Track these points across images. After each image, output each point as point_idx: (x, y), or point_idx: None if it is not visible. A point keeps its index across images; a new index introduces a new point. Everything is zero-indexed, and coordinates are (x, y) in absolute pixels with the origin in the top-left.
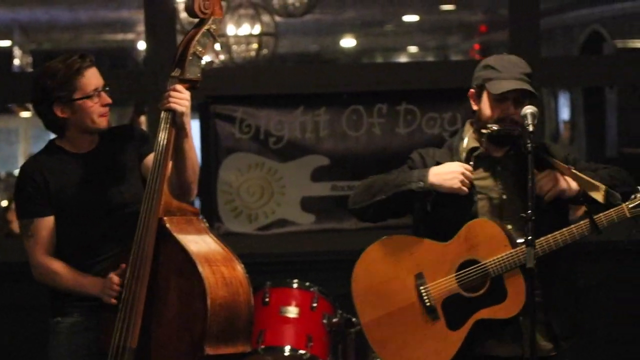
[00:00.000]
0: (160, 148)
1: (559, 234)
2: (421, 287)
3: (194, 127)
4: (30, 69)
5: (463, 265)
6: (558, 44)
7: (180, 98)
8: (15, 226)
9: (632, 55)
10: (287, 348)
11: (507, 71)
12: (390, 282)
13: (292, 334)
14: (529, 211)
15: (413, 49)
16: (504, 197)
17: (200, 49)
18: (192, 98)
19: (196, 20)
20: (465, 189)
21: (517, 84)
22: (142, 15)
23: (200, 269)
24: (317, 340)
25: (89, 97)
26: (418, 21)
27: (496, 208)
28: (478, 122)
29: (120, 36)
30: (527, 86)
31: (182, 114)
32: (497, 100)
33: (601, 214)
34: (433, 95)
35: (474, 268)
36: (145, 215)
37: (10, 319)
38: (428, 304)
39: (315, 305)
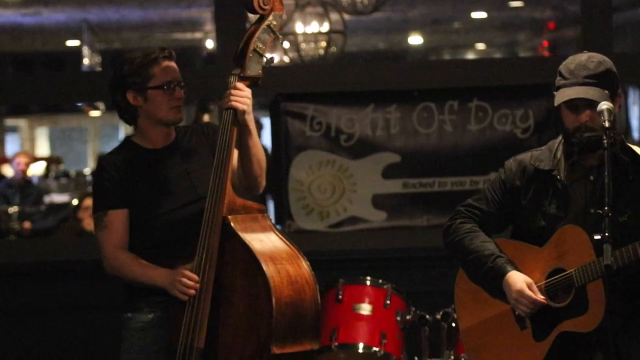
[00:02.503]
0: (222, 147)
1: (628, 248)
2: None
3: (266, 125)
4: (99, 69)
5: (552, 273)
6: (628, 40)
7: (242, 96)
8: (86, 224)
9: None
10: (361, 345)
11: (573, 76)
12: None
13: (366, 331)
14: (606, 207)
15: (481, 45)
16: (592, 210)
17: (261, 46)
18: (263, 96)
19: (256, 16)
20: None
21: (577, 91)
22: (210, 13)
23: (265, 267)
24: (391, 337)
25: (161, 87)
26: (486, 18)
27: (583, 221)
28: (564, 131)
29: (188, 35)
30: (584, 94)
31: (243, 111)
32: (569, 109)
33: None
34: (504, 92)
35: (560, 277)
36: (210, 215)
37: (84, 316)
38: (517, 312)
39: (388, 302)
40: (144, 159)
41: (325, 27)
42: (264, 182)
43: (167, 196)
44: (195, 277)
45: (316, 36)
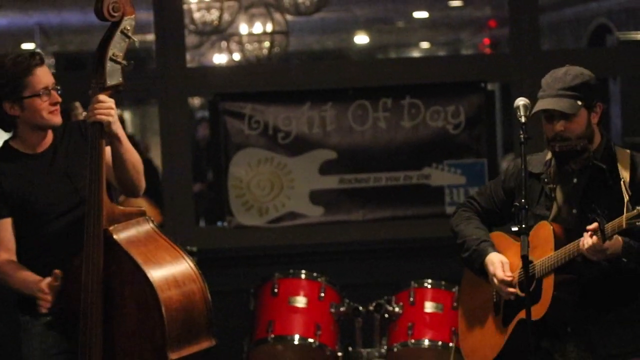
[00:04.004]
0: (93, 162)
1: (573, 244)
2: None
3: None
4: (53, 71)
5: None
6: (566, 37)
7: (105, 108)
8: None
9: (634, 47)
10: (297, 337)
11: (548, 88)
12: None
13: (301, 323)
14: (523, 200)
15: (425, 44)
16: (574, 211)
17: (118, 53)
18: (201, 96)
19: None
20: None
21: (548, 103)
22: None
23: (149, 276)
24: (325, 329)
25: (37, 95)
26: (428, 17)
27: (565, 222)
28: (545, 139)
29: (138, 37)
30: (554, 105)
31: (109, 123)
32: (545, 119)
33: (608, 224)
34: (436, 89)
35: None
36: (91, 229)
37: None
38: (495, 299)
39: (322, 295)
40: (23, 166)
41: (269, 27)
42: (143, 184)
43: (49, 202)
44: (46, 292)
45: (260, 37)
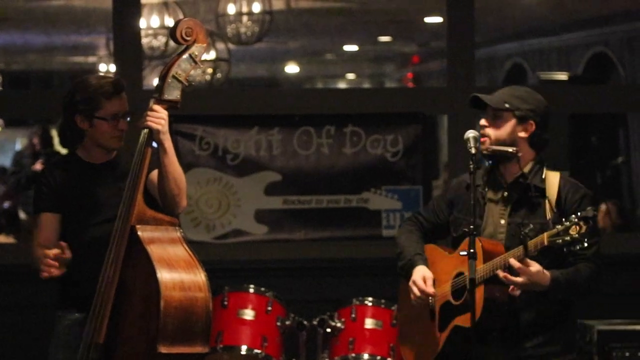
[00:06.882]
0: (136, 163)
1: (499, 258)
2: None
3: None
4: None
5: (458, 275)
6: (483, 75)
7: (157, 117)
8: None
9: (554, 86)
10: (244, 348)
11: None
12: None
13: (249, 335)
14: (471, 226)
15: (351, 76)
16: (502, 222)
17: (181, 73)
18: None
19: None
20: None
21: (483, 97)
22: (104, 40)
23: (158, 272)
24: (271, 341)
25: (106, 119)
26: (357, 51)
27: (495, 232)
28: None
29: (84, 59)
30: (484, 97)
31: (157, 131)
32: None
33: (531, 241)
34: (377, 119)
35: (457, 280)
36: (119, 223)
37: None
38: (431, 307)
39: (270, 308)
40: (82, 172)
41: (212, 55)
42: (184, 202)
43: (97, 209)
44: (49, 258)
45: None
